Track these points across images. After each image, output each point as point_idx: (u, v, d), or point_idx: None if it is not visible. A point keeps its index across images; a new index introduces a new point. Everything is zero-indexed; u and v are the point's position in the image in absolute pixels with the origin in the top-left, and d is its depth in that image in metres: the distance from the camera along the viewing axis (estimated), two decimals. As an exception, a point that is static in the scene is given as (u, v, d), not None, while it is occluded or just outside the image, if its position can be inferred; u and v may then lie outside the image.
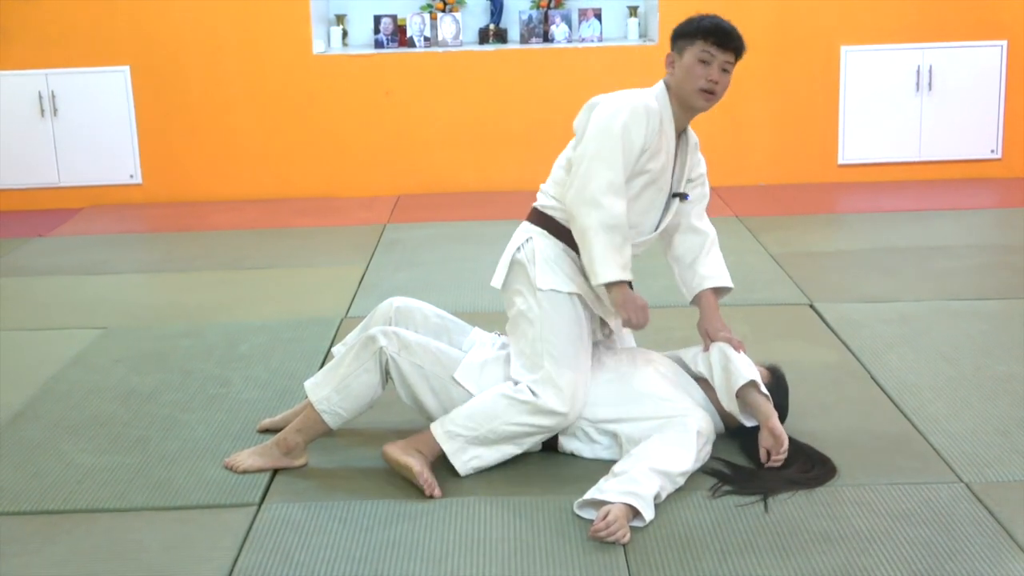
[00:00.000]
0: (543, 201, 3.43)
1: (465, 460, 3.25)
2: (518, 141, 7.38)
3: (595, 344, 3.48)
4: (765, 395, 3.26)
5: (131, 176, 7.41)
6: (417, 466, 3.17)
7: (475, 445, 3.25)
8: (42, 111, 7.30)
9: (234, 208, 7.19)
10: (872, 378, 4.01)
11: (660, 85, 3.40)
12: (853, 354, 4.25)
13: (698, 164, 3.51)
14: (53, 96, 7.29)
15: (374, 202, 7.25)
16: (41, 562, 2.89)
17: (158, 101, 7.34)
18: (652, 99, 3.33)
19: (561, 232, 3.36)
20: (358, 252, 6.02)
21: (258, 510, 3.14)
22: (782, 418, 3.33)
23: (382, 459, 3.28)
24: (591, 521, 2.96)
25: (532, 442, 3.30)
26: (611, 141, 3.22)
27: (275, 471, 3.35)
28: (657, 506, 3.02)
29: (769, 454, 3.21)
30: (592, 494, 3.02)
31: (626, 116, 3.24)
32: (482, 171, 7.45)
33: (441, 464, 3.27)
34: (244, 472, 3.33)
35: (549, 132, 7.30)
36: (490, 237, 5.86)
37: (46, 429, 3.73)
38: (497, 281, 3.43)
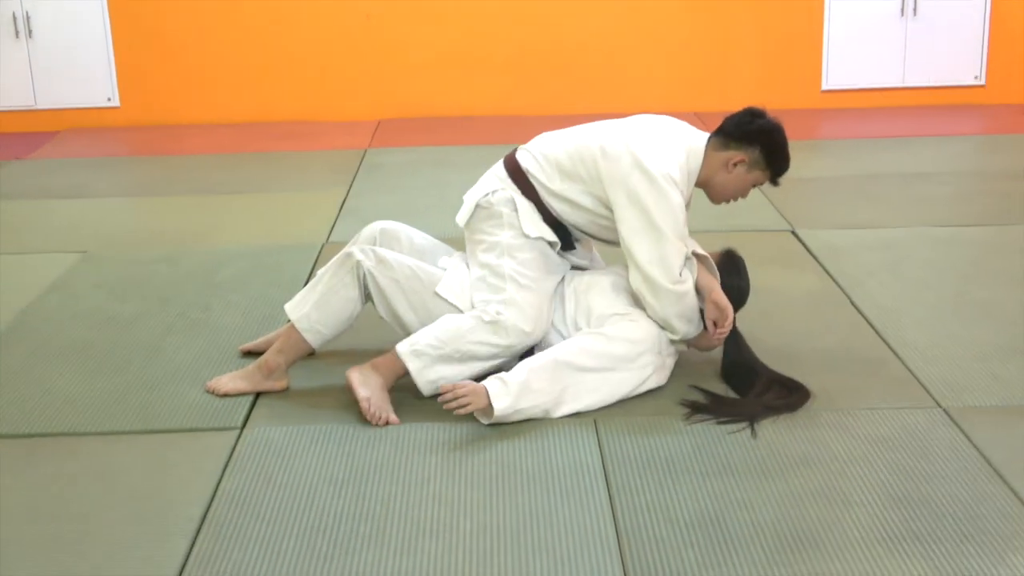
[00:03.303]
0: (534, 170, 3.37)
1: (431, 380, 3.22)
2: (501, 65, 7.30)
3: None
4: (707, 271, 3.32)
5: (108, 99, 7.32)
6: (363, 394, 3.16)
7: (440, 363, 3.23)
8: (16, 32, 7.18)
9: (213, 132, 7.12)
10: (853, 304, 4.03)
11: (702, 144, 3.38)
12: (834, 280, 4.26)
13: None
14: (28, 17, 7.16)
15: (355, 126, 7.18)
16: (23, 484, 2.89)
17: (135, 23, 7.23)
18: (684, 158, 3.33)
19: (541, 205, 3.37)
20: (339, 177, 5.97)
21: (240, 433, 3.14)
22: (743, 300, 3.41)
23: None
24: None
25: (498, 362, 3.29)
26: (676, 224, 3.25)
27: (257, 394, 3.35)
28: (637, 431, 3.05)
29: (716, 326, 3.28)
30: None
31: (675, 192, 3.26)
32: (464, 95, 7.37)
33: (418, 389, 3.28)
34: (226, 395, 3.33)
35: (532, 56, 7.26)
36: (472, 161, 5.81)
37: (25, 355, 3.72)
38: (461, 218, 3.42)
